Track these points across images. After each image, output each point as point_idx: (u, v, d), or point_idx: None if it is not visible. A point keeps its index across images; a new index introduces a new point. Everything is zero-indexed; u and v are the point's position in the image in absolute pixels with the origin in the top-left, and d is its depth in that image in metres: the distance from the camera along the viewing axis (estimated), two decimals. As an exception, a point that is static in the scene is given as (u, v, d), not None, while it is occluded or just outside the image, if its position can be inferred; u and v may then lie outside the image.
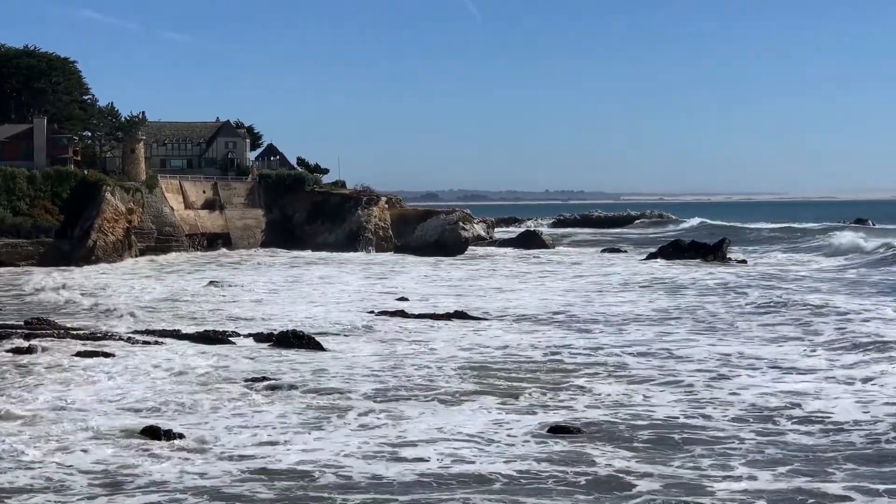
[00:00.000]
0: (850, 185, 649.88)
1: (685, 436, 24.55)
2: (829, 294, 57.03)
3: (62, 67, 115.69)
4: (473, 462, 22.31)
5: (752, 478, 21.07)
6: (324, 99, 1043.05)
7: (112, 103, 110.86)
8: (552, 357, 36.02)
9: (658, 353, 36.86)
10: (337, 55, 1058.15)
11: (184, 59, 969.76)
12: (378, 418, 26.36)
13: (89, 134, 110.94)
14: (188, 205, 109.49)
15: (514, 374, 32.55)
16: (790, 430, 25.07)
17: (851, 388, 29.81)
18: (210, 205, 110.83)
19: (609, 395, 29.34)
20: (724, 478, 21.07)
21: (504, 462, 22.28)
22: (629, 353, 36.67)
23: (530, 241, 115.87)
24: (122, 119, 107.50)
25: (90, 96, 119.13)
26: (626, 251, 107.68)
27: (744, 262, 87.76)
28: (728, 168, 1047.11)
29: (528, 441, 24.10)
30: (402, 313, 48.17)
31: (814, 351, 36.70)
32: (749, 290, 59.13)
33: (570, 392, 29.75)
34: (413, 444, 23.76)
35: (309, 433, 24.79)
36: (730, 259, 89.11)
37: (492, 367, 33.80)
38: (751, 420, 26.18)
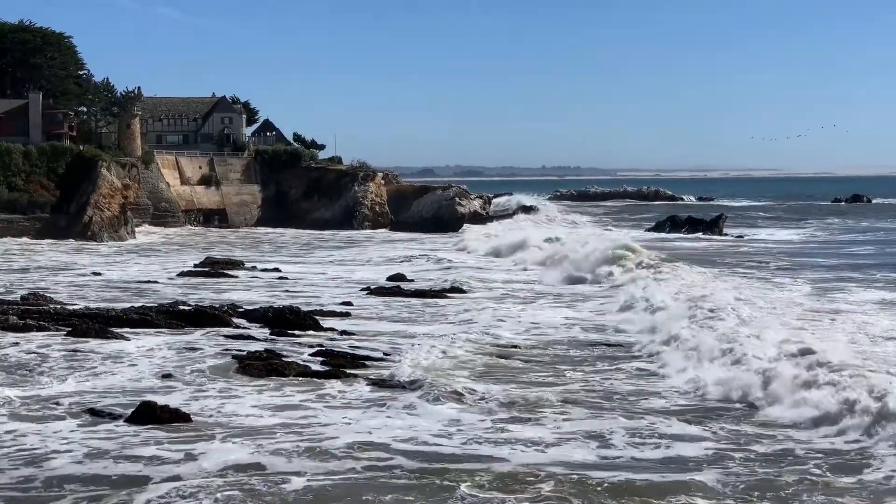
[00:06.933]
0: (846, 162, 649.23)
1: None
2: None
3: (57, 43, 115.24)
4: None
5: None
6: (320, 75, 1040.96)
7: (108, 79, 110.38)
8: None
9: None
10: (333, 31, 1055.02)
11: (178, 35, 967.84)
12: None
13: (85, 109, 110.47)
14: (184, 180, 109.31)
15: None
16: None
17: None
18: (206, 181, 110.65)
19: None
20: None
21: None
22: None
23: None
24: (118, 94, 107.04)
25: (86, 72, 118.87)
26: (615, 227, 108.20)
27: (740, 237, 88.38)
28: (726, 144, 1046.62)
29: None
30: (396, 290, 48.02)
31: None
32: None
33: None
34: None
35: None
36: (726, 234, 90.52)
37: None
38: None
